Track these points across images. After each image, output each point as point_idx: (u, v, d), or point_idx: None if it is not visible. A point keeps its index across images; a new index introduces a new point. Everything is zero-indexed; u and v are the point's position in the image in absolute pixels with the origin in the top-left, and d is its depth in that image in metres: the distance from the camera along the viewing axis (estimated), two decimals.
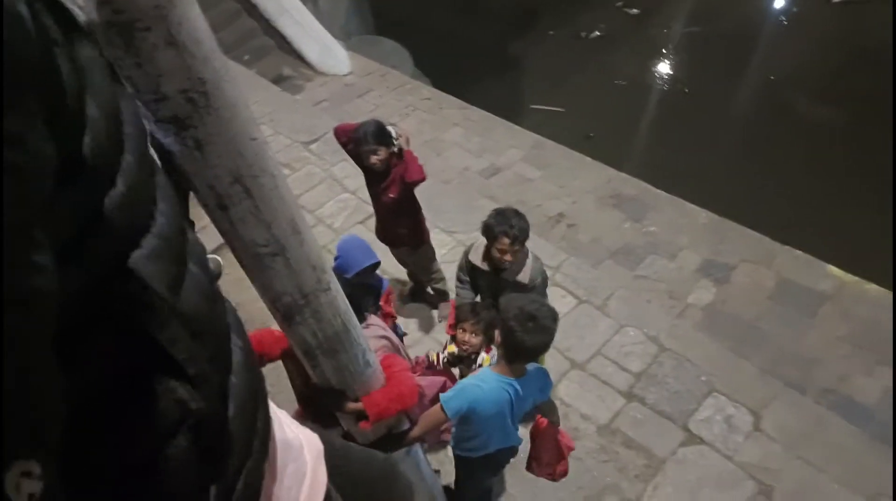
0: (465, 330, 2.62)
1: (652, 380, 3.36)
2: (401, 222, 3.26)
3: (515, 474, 3.00)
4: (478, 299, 3.01)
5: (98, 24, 0.85)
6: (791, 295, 4.34)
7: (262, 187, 1.15)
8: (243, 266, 1.26)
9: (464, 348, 2.65)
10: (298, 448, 0.84)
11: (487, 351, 2.68)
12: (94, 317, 0.40)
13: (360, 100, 6.27)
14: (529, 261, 2.78)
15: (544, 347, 2.00)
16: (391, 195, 3.06)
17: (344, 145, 3.05)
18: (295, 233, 1.27)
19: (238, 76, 1.05)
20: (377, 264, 2.62)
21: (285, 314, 1.37)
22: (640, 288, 4.24)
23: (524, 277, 2.75)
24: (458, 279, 3.09)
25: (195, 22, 0.94)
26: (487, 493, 2.81)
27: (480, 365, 2.64)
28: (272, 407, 0.82)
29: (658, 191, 5.24)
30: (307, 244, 1.31)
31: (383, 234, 3.39)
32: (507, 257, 2.67)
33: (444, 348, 2.82)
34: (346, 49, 6.97)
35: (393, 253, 3.53)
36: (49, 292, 0.32)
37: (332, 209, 4.42)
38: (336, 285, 1.46)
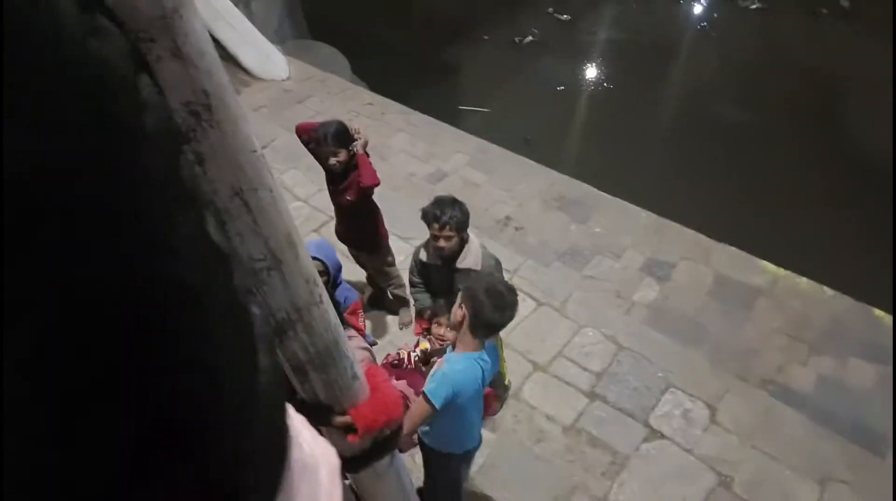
0: (440, 324, 2.64)
1: (612, 379, 3.45)
2: (358, 224, 3.27)
3: (484, 475, 3.03)
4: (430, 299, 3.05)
5: None
6: (728, 290, 4.53)
7: (260, 201, 1.11)
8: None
9: (441, 342, 2.66)
10: (313, 467, 0.80)
11: None
12: None
13: (300, 105, 6.15)
14: (476, 247, 2.85)
15: (509, 321, 2.13)
16: (348, 198, 3.06)
17: (305, 143, 3.03)
18: (290, 246, 1.23)
19: None
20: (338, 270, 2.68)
21: (277, 329, 1.33)
22: (589, 288, 4.34)
23: (475, 263, 2.81)
24: (411, 284, 3.12)
25: (200, 33, 0.90)
26: (458, 487, 2.76)
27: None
28: (291, 416, 0.78)
29: (600, 193, 5.37)
30: (301, 258, 1.28)
31: (342, 234, 3.40)
32: (442, 243, 2.75)
33: (416, 346, 2.81)
34: (283, 54, 6.83)
35: (352, 254, 3.54)
36: None
37: None
38: (327, 298, 1.42)
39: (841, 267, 5.03)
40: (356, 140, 2.93)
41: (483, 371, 2.12)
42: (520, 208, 5.15)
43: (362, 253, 3.46)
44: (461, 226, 2.75)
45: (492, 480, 3.01)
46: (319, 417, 1.61)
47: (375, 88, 7.08)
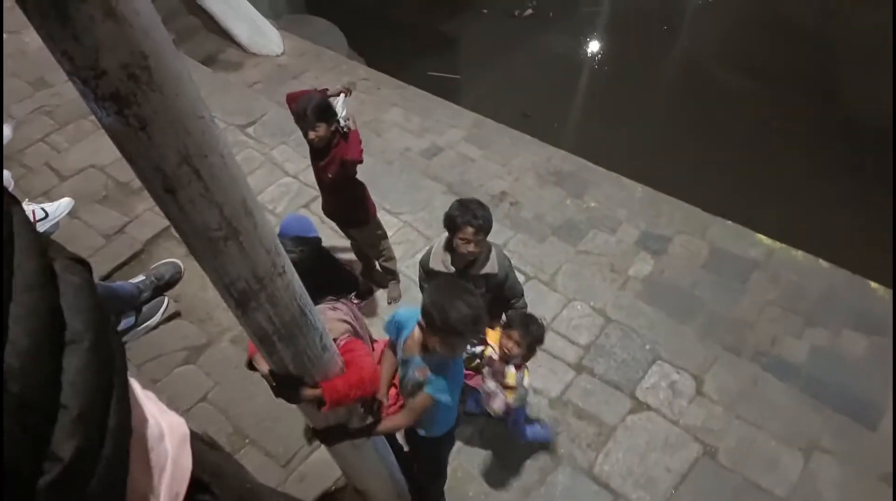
0: (510, 338, 2.51)
1: (600, 351, 3.45)
2: (341, 200, 3.24)
3: (471, 445, 3.05)
4: None
5: None
6: (723, 263, 4.51)
7: (211, 167, 1.09)
8: (194, 252, 1.20)
9: (505, 352, 2.54)
10: (158, 436, 0.81)
11: (518, 368, 2.58)
12: None
13: (295, 81, 6.10)
14: (493, 252, 2.65)
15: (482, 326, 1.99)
16: (329, 175, 3.02)
17: (293, 113, 2.98)
18: (247, 215, 1.21)
19: None
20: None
21: (240, 300, 1.32)
22: (583, 262, 4.33)
23: (492, 267, 2.62)
24: (422, 289, 2.86)
25: None
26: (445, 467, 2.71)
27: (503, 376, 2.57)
28: (137, 392, 0.79)
29: (596, 167, 5.34)
30: (260, 227, 1.26)
31: (328, 210, 3.37)
32: (472, 248, 2.51)
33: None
34: (277, 28, 6.76)
35: (341, 229, 3.52)
36: None
37: (273, 194, 4.28)
38: (291, 268, 1.42)
39: (837, 239, 4.99)
40: (347, 119, 2.88)
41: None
42: (515, 182, 5.12)
43: (350, 229, 3.44)
44: (490, 226, 2.53)
45: (478, 451, 3.03)
46: (289, 388, 1.61)
47: (372, 62, 7.01)
